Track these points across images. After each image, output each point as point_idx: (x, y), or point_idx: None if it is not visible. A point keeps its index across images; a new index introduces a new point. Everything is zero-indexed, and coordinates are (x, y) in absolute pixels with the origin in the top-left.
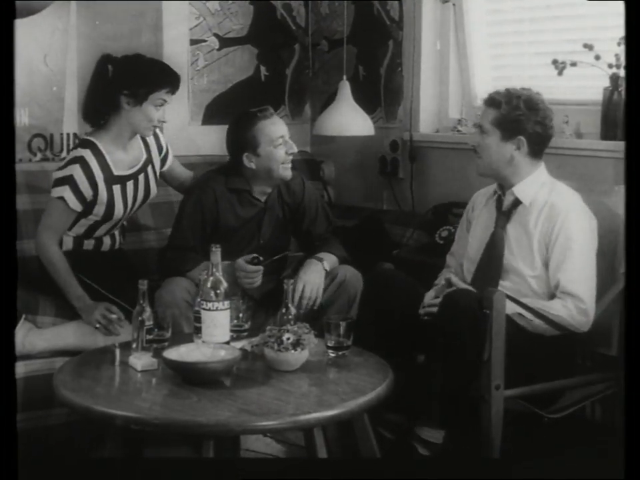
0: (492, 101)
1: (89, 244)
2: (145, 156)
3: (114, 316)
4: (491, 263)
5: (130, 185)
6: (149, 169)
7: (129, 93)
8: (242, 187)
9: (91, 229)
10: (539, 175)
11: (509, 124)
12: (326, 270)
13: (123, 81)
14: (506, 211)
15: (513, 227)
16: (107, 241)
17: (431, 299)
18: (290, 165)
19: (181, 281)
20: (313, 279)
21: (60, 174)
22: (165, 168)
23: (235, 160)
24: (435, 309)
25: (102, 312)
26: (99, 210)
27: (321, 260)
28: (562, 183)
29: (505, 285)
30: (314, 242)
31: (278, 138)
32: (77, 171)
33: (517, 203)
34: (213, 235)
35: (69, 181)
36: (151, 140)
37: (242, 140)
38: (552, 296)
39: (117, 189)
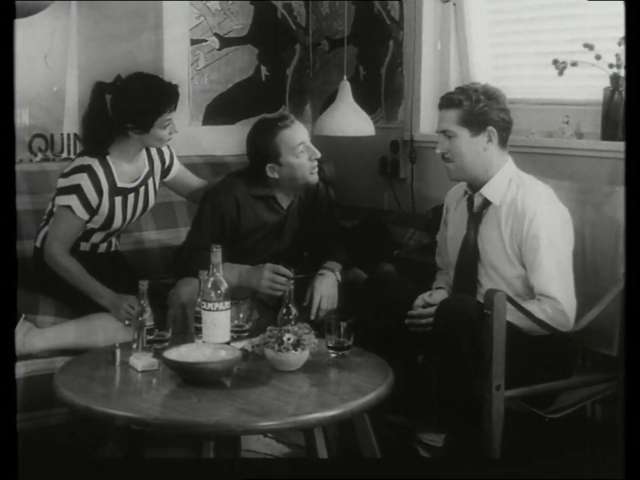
0: (450, 102)
1: (85, 246)
2: (147, 168)
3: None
4: (468, 266)
5: (131, 197)
6: (150, 181)
7: (134, 125)
8: (266, 193)
9: (86, 234)
10: (507, 171)
11: (475, 118)
12: (339, 280)
13: (125, 113)
14: (477, 212)
15: (486, 228)
16: (103, 244)
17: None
18: (316, 170)
19: (197, 282)
20: (328, 291)
21: (66, 182)
22: (168, 178)
23: (257, 168)
24: (422, 321)
25: (126, 308)
26: (99, 220)
27: (333, 270)
28: (531, 177)
29: (487, 287)
30: (321, 242)
31: (299, 145)
32: (84, 180)
33: (487, 203)
34: (232, 238)
35: (77, 190)
36: (154, 153)
37: (263, 150)
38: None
39: (118, 200)
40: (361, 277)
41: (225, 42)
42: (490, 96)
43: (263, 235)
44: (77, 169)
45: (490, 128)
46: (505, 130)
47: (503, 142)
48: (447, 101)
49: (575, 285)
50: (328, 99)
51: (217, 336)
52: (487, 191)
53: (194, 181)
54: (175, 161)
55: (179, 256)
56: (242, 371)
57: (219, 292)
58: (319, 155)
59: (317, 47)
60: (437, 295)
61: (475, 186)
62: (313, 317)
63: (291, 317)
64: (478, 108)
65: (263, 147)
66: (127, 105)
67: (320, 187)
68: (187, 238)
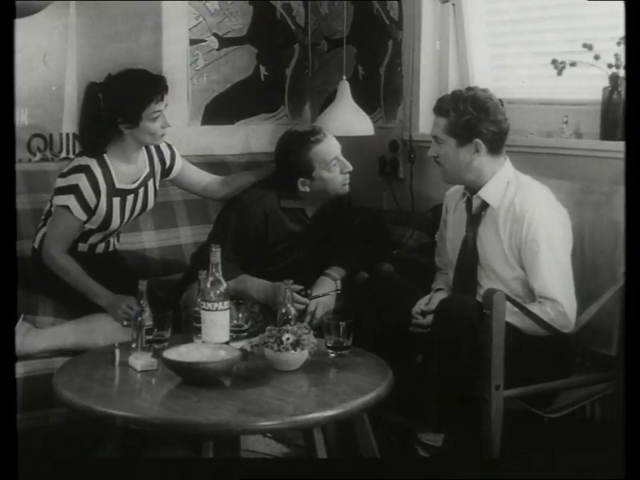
0: (440, 110)
1: (83, 246)
2: (147, 170)
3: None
4: (467, 267)
5: (130, 198)
6: (150, 182)
7: (123, 119)
8: (296, 206)
9: (84, 235)
10: (504, 173)
11: (461, 130)
12: (338, 289)
13: (114, 109)
14: (476, 213)
15: (484, 230)
16: (101, 244)
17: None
18: (347, 182)
19: None
20: (325, 299)
21: (64, 182)
22: (171, 177)
23: (287, 181)
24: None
25: (125, 309)
26: (96, 220)
27: (335, 279)
28: (529, 179)
29: (486, 288)
30: (336, 242)
31: (332, 160)
32: (82, 181)
33: (485, 205)
34: (255, 248)
35: (75, 190)
36: (154, 154)
37: (295, 165)
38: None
39: (116, 201)
40: (361, 276)
41: (224, 42)
42: (479, 107)
43: (287, 244)
44: (75, 169)
45: (476, 140)
46: (495, 141)
47: (494, 151)
48: (438, 108)
49: (574, 284)
50: (327, 99)
51: (216, 336)
52: (484, 194)
53: (204, 177)
54: (177, 160)
55: (197, 258)
56: (241, 371)
57: (218, 292)
58: (350, 167)
59: (316, 46)
60: (436, 299)
61: (472, 188)
62: (306, 324)
63: (290, 316)
64: (464, 120)
65: (295, 162)
66: (115, 99)
67: (344, 195)
68: (207, 240)
